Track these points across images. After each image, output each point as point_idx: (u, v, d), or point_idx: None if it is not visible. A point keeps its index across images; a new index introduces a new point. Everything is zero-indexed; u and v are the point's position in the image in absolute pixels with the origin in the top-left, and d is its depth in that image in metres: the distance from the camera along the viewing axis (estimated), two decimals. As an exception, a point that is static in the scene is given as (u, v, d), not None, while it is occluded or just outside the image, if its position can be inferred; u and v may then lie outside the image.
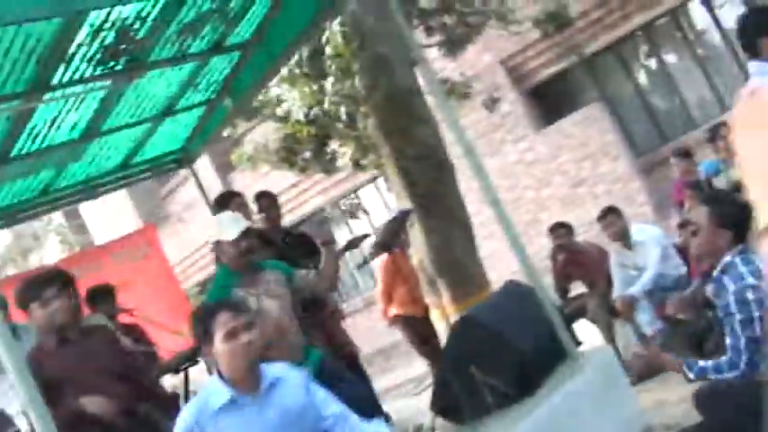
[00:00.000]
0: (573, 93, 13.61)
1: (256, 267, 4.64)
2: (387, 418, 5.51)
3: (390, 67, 7.43)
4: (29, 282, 4.19)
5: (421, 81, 7.60)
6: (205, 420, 3.01)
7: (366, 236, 7.55)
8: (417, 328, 7.76)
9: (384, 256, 7.41)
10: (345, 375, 4.61)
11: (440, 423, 5.27)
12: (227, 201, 5.89)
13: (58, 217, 23.81)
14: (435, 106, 7.70)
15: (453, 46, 10.40)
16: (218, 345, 3.08)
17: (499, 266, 12.67)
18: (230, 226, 4.56)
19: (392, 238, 6.37)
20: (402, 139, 7.30)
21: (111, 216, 18.42)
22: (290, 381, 3.21)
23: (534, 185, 13.45)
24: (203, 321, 3.14)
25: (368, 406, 4.10)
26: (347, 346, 5.90)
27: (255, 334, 3.13)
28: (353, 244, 6.32)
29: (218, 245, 4.61)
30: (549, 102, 13.56)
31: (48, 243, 26.86)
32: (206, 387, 3.13)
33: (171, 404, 4.45)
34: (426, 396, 6.56)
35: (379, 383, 6.00)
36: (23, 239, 27.12)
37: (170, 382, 6.40)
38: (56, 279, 4.14)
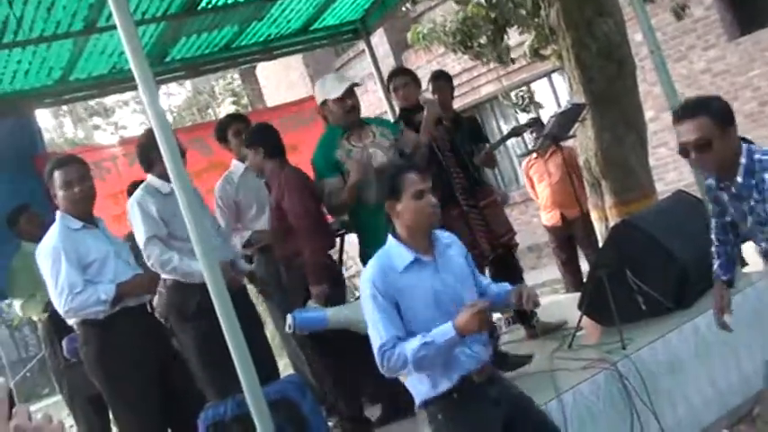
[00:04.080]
0: (777, 2, 12.57)
1: (362, 123, 4.72)
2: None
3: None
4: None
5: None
6: (392, 279, 3.15)
7: (531, 124, 7.36)
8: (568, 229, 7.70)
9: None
10: None
11: (586, 322, 5.19)
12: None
13: (236, 80, 24.61)
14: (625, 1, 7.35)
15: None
16: (406, 202, 3.18)
17: (668, 177, 12.24)
18: (334, 85, 4.62)
19: (562, 131, 6.16)
20: (585, 31, 6.98)
21: (286, 84, 18.83)
22: (455, 243, 3.42)
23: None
24: (392, 178, 3.26)
25: None
26: (508, 233, 5.54)
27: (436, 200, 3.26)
28: (518, 131, 6.18)
29: (324, 105, 4.70)
30: (749, 10, 12.58)
31: (223, 104, 27.89)
32: (385, 251, 3.26)
33: None
34: (573, 296, 6.49)
35: (527, 278, 5.95)
36: (202, 96, 28.29)
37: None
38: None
